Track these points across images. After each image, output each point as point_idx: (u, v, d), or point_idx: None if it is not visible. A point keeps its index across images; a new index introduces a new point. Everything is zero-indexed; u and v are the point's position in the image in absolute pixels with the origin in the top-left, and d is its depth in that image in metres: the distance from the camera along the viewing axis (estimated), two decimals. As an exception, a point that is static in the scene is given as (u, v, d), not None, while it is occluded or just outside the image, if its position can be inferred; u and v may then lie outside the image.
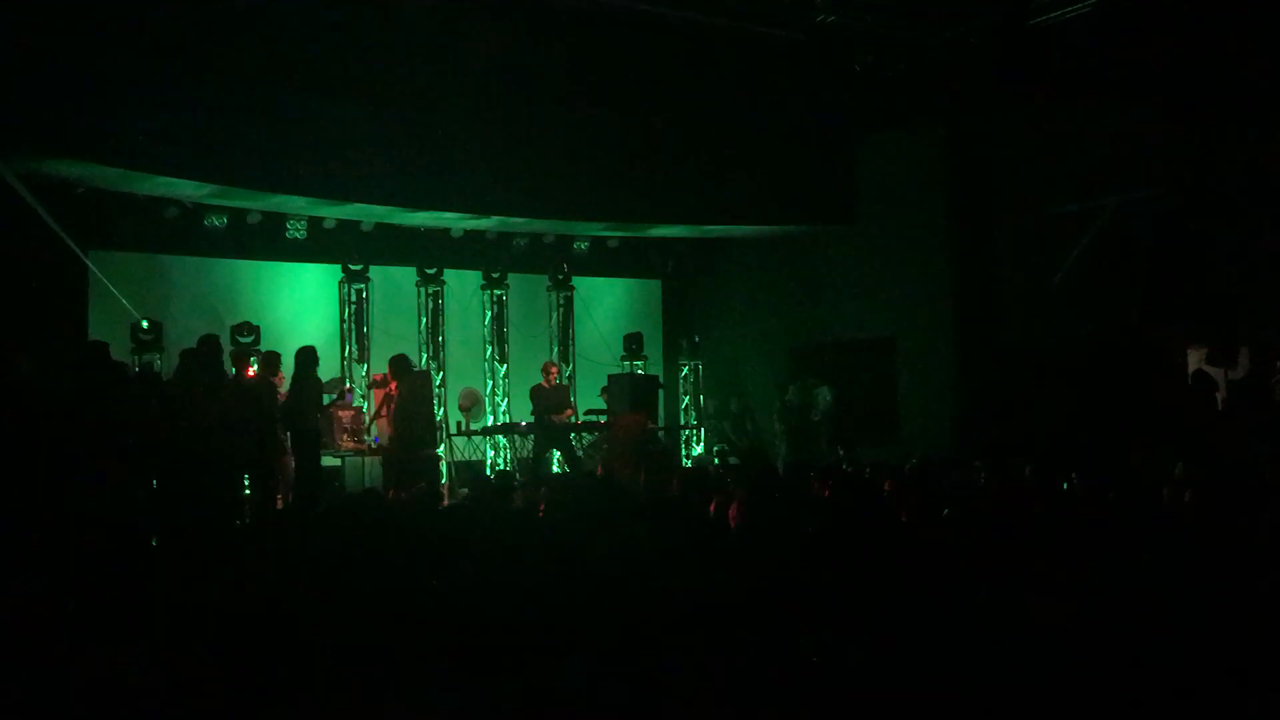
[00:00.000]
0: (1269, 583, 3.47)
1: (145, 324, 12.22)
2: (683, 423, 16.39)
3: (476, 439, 13.86)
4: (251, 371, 11.03)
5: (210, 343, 10.14)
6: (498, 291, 15.26)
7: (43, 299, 11.07)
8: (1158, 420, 10.81)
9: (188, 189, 11.65)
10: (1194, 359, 12.16)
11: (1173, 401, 11.47)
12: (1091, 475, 6.83)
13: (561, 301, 15.77)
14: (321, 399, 10.92)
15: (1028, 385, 12.27)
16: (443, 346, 14.70)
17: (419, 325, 14.64)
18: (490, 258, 15.02)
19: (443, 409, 13.92)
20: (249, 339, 12.56)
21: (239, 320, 12.73)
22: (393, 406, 11.57)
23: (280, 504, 10.28)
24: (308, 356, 10.66)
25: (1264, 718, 2.80)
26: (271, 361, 11.21)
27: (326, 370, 12.37)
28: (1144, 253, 12.01)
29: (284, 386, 10.92)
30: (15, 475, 7.77)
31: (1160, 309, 12.00)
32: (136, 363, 11.94)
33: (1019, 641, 3.03)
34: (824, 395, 14.07)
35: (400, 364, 11.79)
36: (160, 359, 12.03)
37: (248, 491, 10.31)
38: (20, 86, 9.37)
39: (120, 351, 11.19)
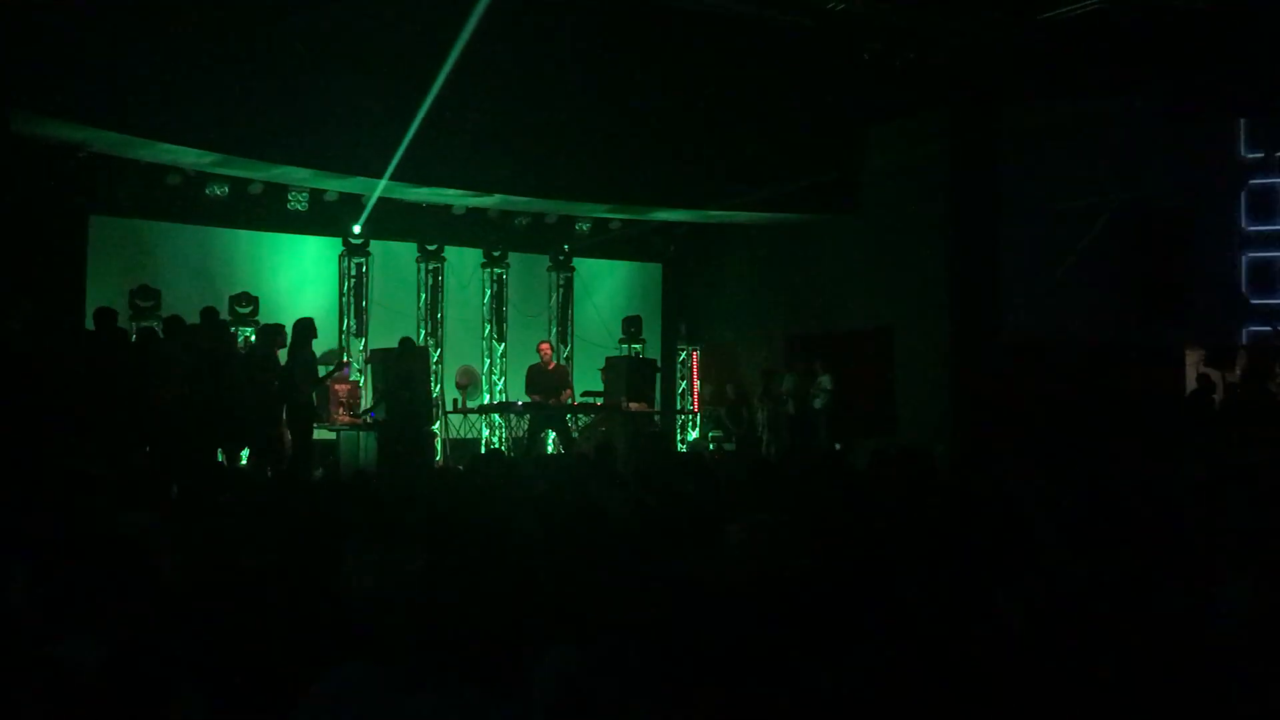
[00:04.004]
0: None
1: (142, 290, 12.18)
2: (679, 408, 16.38)
3: (472, 417, 13.85)
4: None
5: (209, 314, 10.11)
6: (498, 270, 15.22)
7: (41, 261, 11.02)
8: (1155, 422, 10.79)
9: (190, 156, 11.62)
10: (1191, 360, 12.14)
11: (1170, 403, 11.44)
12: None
13: (561, 282, 15.74)
14: (316, 372, 10.87)
15: (1024, 382, 12.23)
16: (441, 323, 14.68)
17: (418, 301, 14.61)
18: (491, 236, 14.99)
19: (439, 386, 13.93)
20: (247, 309, 12.54)
21: (237, 290, 12.70)
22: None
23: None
24: (304, 329, 10.59)
25: None
26: (272, 333, 11.10)
27: (324, 344, 12.42)
28: (1147, 252, 11.98)
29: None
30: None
31: (1161, 309, 11.98)
32: (133, 330, 11.90)
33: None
34: (825, 383, 14.05)
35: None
36: (158, 326, 11.99)
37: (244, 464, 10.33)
38: (21, 47, 9.31)
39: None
